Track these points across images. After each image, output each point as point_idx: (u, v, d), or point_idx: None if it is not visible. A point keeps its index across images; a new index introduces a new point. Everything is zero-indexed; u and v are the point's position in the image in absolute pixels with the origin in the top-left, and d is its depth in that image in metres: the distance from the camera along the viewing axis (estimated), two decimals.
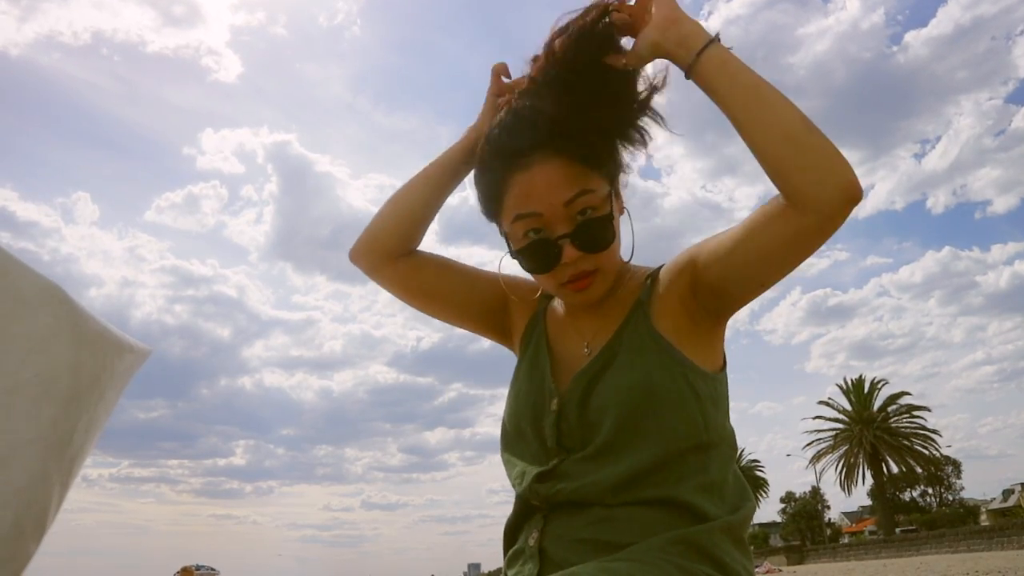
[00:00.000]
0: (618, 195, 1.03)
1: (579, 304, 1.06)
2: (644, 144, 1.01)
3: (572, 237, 0.95)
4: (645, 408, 0.91)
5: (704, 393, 0.94)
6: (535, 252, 0.98)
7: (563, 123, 0.93)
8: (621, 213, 1.03)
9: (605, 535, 0.89)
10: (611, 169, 1.00)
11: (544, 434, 0.99)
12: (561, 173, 0.94)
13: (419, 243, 1.19)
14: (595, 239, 0.96)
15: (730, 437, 0.99)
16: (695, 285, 0.96)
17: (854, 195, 0.80)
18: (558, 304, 1.15)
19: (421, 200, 1.15)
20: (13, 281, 0.44)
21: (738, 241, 0.89)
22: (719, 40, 0.88)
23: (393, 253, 1.17)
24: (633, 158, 1.04)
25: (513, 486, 1.05)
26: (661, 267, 1.05)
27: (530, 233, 0.98)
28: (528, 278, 1.09)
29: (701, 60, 0.87)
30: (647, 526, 0.88)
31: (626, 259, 1.08)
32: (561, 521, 0.94)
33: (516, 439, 1.04)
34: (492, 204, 1.02)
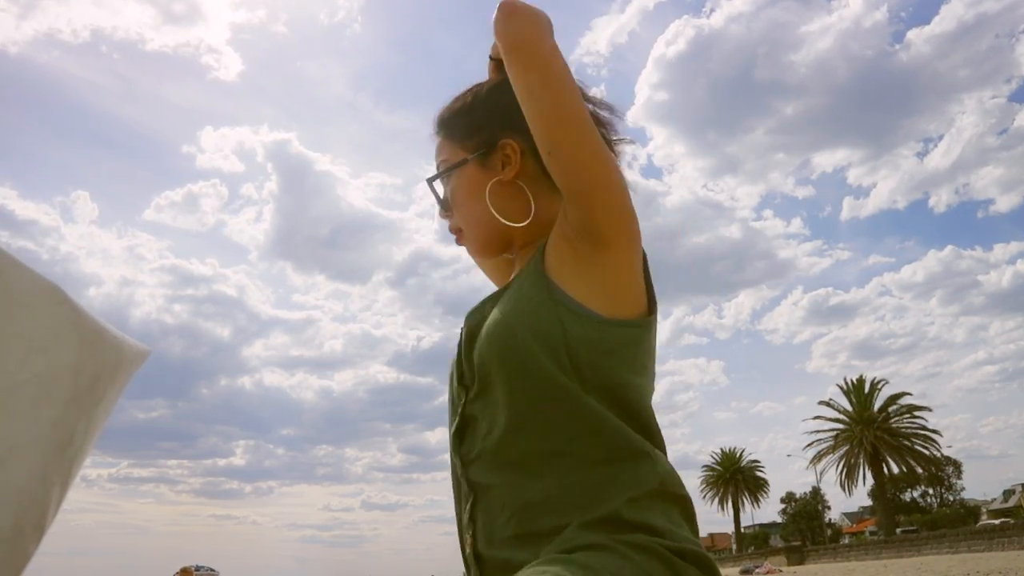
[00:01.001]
0: (505, 159, 1.05)
1: (474, 259, 1.21)
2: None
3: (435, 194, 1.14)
4: (509, 344, 0.88)
5: (577, 334, 0.87)
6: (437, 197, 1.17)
7: (441, 113, 1.13)
8: (506, 179, 1.04)
9: (527, 526, 0.85)
10: (473, 144, 1.07)
11: (452, 376, 1.00)
12: (437, 151, 1.13)
13: None
14: (437, 197, 1.13)
15: (622, 389, 0.89)
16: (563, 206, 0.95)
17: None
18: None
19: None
20: (13, 281, 0.44)
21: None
22: None
23: None
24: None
25: None
26: None
27: None
28: None
29: None
30: (559, 504, 0.84)
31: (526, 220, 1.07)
32: (482, 509, 0.90)
33: (449, 393, 1.03)
34: None
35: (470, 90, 1.12)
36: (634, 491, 0.83)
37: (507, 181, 1.04)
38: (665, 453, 0.91)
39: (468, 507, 0.91)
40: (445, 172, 1.09)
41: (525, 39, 0.89)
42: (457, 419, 0.95)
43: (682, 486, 0.89)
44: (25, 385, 0.43)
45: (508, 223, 1.03)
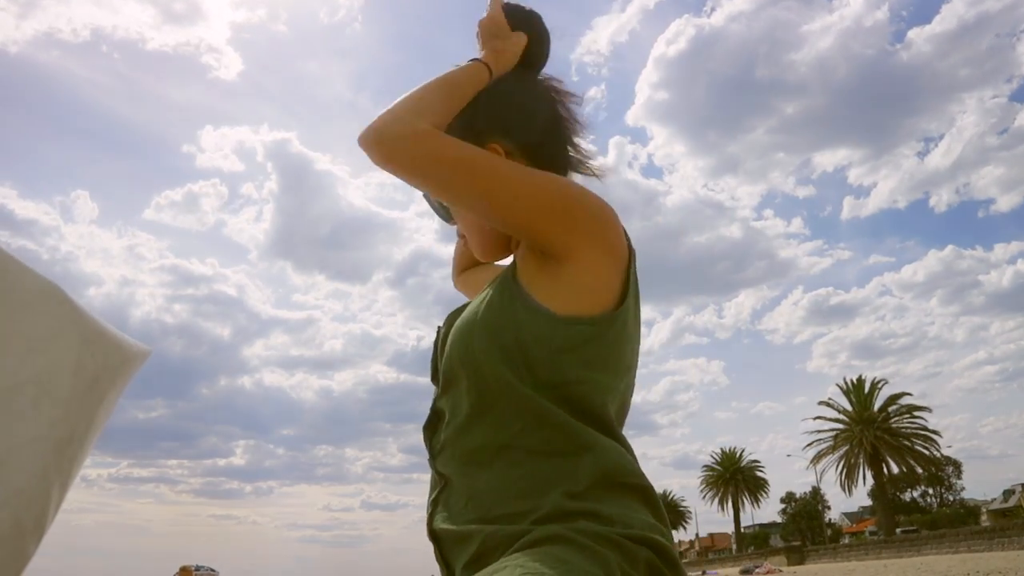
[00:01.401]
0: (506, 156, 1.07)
1: (481, 262, 1.22)
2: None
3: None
4: (467, 342, 0.92)
5: (531, 333, 0.89)
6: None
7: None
8: None
9: (480, 512, 0.87)
10: (473, 136, 1.03)
11: (431, 371, 1.04)
12: None
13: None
14: (438, 209, 1.16)
15: (575, 385, 0.90)
16: None
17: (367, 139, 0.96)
18: None
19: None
20: (13, 281, 0.44)
21: None
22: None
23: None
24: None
25: None
26: None
27: None
28: None
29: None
30: (507, 494, 0.86)
31: None
32: (445, 496, 0.93)
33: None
34: None
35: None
36: (573, 484, 0.84)
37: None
38: (627, 447, 0.92)
39: (435, 494, 0.95)
40: None
41: (392, 159, 0.95)
42: (429, 413, 1.00)
43: (639, 475, 0.89)
44: (25, 385, 0.43)
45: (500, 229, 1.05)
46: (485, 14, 1.12)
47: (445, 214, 1.15)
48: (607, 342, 0.93)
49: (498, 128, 1.05)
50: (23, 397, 0.43)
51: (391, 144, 0.94)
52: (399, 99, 1.00)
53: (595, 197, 0.94)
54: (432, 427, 1.00)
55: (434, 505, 0.95)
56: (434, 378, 1.01)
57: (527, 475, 0.87)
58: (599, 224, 0.92)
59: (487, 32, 1.11)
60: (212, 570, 46.23)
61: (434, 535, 0.94)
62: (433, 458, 0.98)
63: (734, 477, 54.53)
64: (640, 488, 0.88)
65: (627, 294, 0.95)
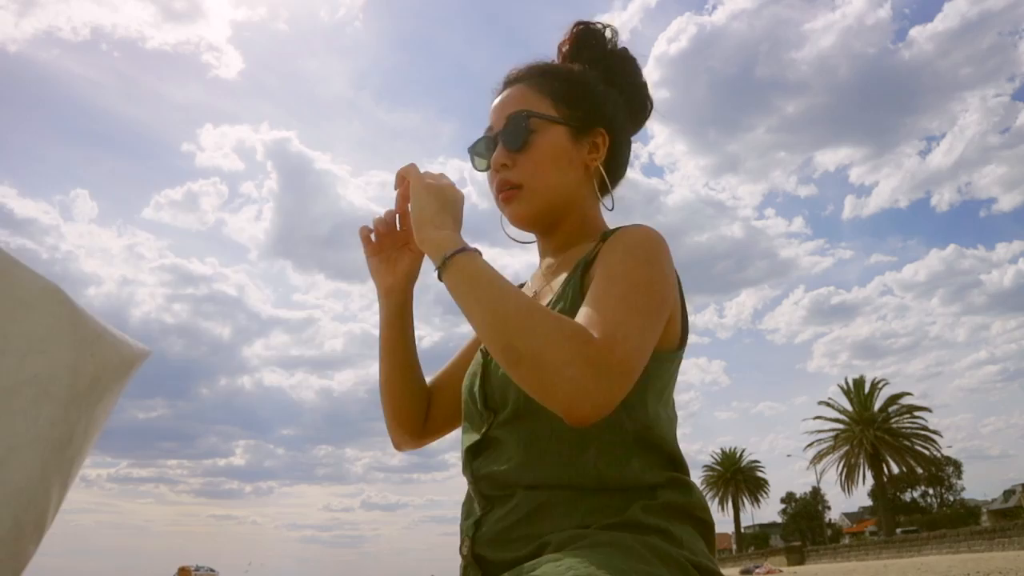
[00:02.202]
0: (594, 147, 1.08)
1: (512, 223, 1.10)
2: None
3: (501, 133, 1.05)
4: None
5: None
6: (477, 147, 1.10)
7: (540, 65, 1.11)
8: (590, 165, 1.08)
9: (533, 528, 0.87)
10: (574, 112, 1.06)
11: (475, 396, 0.99)
12: (517, 94, 1.07)
13: (423, 384, 1.19)
14: (514, 134, 1.03)
15: (653, 420, 0.93)
16: None
17: (580, 412, 0.75)
18: (542, 263, 1.15)
19: (397, 378, 1.15)
20: (13, 282, 0.44)
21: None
22: (465, 252, 0.89)
23: (418, 425, 1.19)
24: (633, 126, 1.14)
25: None
26: (618, 229, 1.01)
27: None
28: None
29: (445, 270, 0.89)
30: (566, 508, 0.86)
31: (604, 213, 1.12)
32: (493, 518, 0.91)
33: (465, 406, 1.04)
34: None
35: (574, 64, 1.12)
36: (650, 504, 0.86)
37: (588, 167, 1.07)
38: (691, 481, 0.94)
39: (478, 517, 0.93)
40: (541, 118, 1.04)
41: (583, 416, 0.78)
42: (478, 438, 0.97)
43: (708, 512, 0.92)
44: (25, 385, 0.43)
45: (573, 204, 1.06)
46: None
47: (516, 144, 1.04)
48: (673, 379, 0.98)
49: (609, 120, 1.08)
50: (23, 397, 0.43)
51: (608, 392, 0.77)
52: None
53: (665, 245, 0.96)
54: (475, 450, 0.97)
55: (475, 528, 0.92)
56: (486, 403, 0.97)
57: (604, 505, 0.86)
58: (668, 285, 0.92)
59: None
60: (211, 570, 46.22)
61: (477, 560, 0.91)
62: (477, 481, 0.95)
63: (734, 477, 54.48)
64: (707, 524, 0.91)
65: (687, 331, 0.99)
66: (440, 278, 0.89)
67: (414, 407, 1.16)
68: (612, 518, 0.84)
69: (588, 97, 1.07)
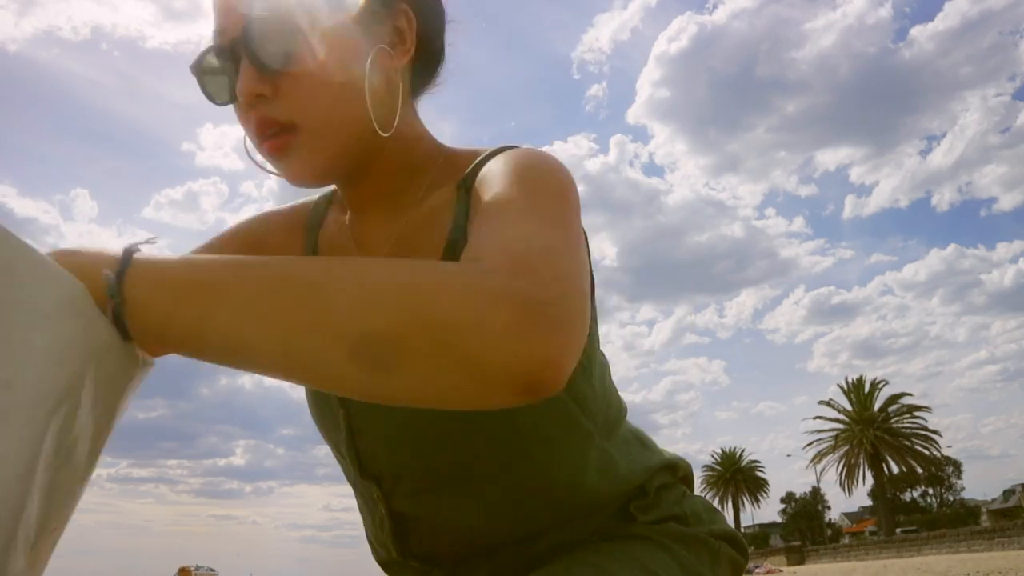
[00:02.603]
0: (396, 34, 0.70)
1: (296, 182, 0.70)
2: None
3: (243, 41, 0.63)
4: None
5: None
6: (205, 61, 0.67)
7: None
8: (397, 63, 0.71)
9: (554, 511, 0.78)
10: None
11: (346, 456, 0.80)
12: None
13: None
14: (270, 41, 0.62)
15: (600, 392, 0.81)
16: None
17: (534, 382, 0.44)
18: (332, 223, 0.82)
19: None
20: (32, 291, 0.42)
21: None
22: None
23: None
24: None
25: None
26: (477, 165, 0.72)
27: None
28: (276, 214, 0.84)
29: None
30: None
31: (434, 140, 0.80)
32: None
33: (335, 452, 0.86)
34: None
35: None
36: (658, 478, 0.81)
37: (391, 65, 0.70)
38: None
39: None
40: (309, 11, 0.63)
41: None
42: (381, 517, 0.82)
43: (690, 468, 0.89)
44: (32, 392, 0.41)
45: (378, 130, 0.67)
46: None
47: (266, 65, 0.63)
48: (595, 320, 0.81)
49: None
50: (24, 402, 0.41)
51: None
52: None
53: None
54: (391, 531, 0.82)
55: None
56: (361, 471, 0.81)
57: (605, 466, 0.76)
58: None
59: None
60: (211, 570, 46.23)
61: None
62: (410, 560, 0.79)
63: (734, 477, 54.49)
64: (691, 481, 0.88)
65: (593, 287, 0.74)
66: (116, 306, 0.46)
67: None
68: (621, 500, 0.78)
69: None
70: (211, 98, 0.69)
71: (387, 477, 0.76)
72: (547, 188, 0.59)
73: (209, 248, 0.80)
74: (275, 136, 0.65)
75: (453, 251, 0.69)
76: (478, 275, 0.45)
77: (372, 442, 0.75)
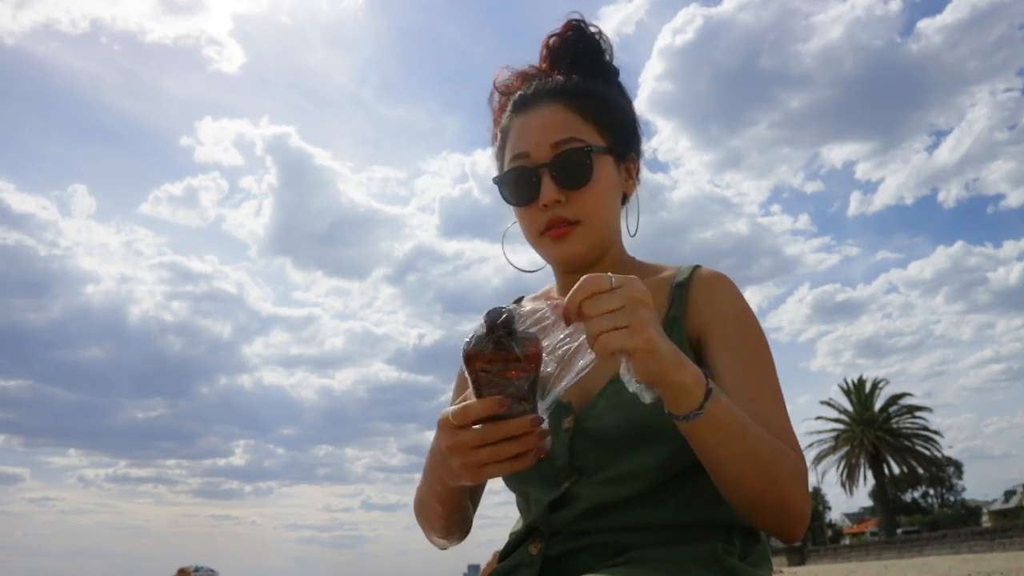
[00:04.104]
0: (628, 174, 1.06)
1: (562, 262, 1.02)
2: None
3: (550, 167, 0.95)
4: (657, 427, 0.86)
5: None
6: (515, 178, 0.99)
7: (573, 83, 1.01)
8: (628, 192, 1.06)
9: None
10: (615, 140, 1.01)
11: (555, 454, 0.93)
12: (559, 117, 0.97)
13: (470, 503, 1.07)
14: (572, 170, 0.95)
15: None
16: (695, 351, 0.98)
17: (797, 531, 0.86)
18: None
19: (452, 518, 1.00)
20: None
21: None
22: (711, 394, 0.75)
23: (469, 527, 1.08)
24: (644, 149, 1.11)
25: (519, 507, 1.03)
26: (689, 276, 1.02)
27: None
28: None
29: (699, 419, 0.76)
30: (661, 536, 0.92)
31: (628, 244, 1.10)
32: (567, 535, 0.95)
33: None
34: (498, 160, 1.05)
35: (572, 71, 1.04)
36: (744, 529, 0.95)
37: (626, 196, 1.07)
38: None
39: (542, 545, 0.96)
40: (598, 151, 0.97)
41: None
42: (559, 493, 0.95)
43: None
44: None
45: (616, 237, 1.06)
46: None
47: (573, 182, 0.96)
48: None
49: (638, 144, 1.08)
50: None
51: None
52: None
53: None
54: (556, 507, 0.96)
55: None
56: (570, 462, 0.96)
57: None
58: None
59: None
60: (211, 570, 46.24)
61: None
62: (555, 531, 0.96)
63: None
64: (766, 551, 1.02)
65: None
66: (682, 423, 0.76)
67: (466, 522, 1.05)
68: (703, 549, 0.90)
69: (625, 122, 1.05)
70: (507, 200, 1.01)
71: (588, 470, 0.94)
72: (767, 354, 0.94)
73: None
74: (560, 227, 0.96)
75: (674, 325, 0.95)
76: (798, 462, 0.84)
77: (588, 446, 0.94)
